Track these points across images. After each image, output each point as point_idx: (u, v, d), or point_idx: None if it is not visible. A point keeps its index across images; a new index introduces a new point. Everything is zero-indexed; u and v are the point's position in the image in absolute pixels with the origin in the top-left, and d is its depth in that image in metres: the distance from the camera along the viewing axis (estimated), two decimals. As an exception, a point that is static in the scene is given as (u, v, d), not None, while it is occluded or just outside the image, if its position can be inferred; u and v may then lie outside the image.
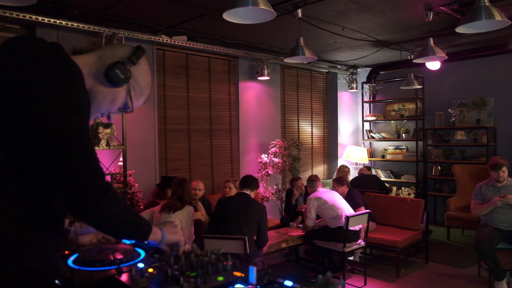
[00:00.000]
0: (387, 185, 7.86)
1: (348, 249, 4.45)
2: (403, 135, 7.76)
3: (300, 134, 7.64)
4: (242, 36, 5.63)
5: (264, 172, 6.32)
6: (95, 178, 1.03)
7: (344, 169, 6.63)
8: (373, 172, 7.93)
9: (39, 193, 1.06)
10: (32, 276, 1.04)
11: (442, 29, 5.34)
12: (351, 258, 5.16)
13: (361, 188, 5.80)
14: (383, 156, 8.13)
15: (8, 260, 1.00)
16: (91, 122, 4.00)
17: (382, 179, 7.87)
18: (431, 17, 4.67)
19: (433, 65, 6.06)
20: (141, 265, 1.31)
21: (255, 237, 3.87)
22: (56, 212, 1.11)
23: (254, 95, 6.73)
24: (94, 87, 1.18)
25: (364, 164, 7.88)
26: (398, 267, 4.78)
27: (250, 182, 3.92)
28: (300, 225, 5.08)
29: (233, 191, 4.65)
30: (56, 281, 1.26)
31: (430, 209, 7.17)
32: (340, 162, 7.90)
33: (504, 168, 4.22)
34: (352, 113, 8.49)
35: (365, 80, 8.18)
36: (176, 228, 1.39)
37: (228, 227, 3.71)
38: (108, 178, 3.99)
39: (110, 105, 1.24)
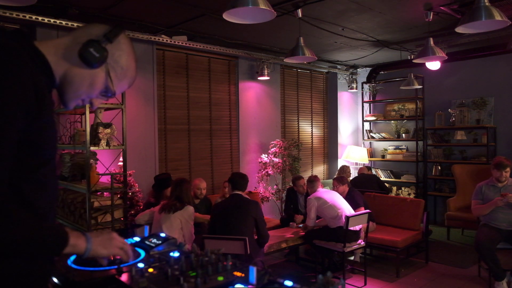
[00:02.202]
0: (387, 185, 7.87)
1: (348, 249, 4.44)
2: (403, 135, 7.76)
3: (300, 134, 7.64)
4: (242, 36, 5.63)
5: (264, 172, 6.32)
6: None
7: (347, 170, 6.62)
8: (373, 172, 7.92)
9: (19, 193, 1.02)
10: (23, 278, 1.03)
11: (442, 29, 5.34)
12: (352, 258, 5.16)
13: (360, 188, 5.79)
14: (383, 156, 8.13)
15: None
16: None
17: (382, 179, 7.87)
18: (431, 17, 4.67)
19: (433, 65, 6.06)
20: (141, 265, 1.31)
21: (255, 236, 3.88)
22: (41, 211, 1.09)
23: (254, 95, 6.73)
24: (70, 70, 1.13)
25: (364, 164, 7.87)
26: (398, 267, 4.78)
27: (241, 184, 3.92)
28: (300, 225, 5.09)
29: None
30: (56, 281, 1.26)
31: (430, 209, 7.17)
32: (340, 162, 7.90)
33: (508, 169, 4.21)
34: (352, 113, 8.49)
35: (365, 80, 8.18)
36: (111, 242, 1.21)
37: (227, 228, 3.73)
38: (107, 178, 3.99)
39: (89, 89, 1.16)
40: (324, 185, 5.46)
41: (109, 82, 1.18)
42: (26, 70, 0.99)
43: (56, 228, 1.08)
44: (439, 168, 7.26)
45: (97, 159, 4.12)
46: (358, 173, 7.01)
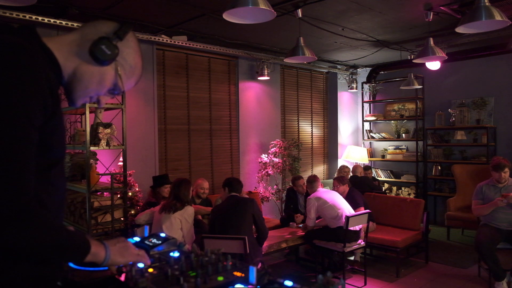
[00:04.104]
0: (386, 185, 7.87)
1: (348, 249, 4.45)
2: (403, 135, 7.76)
3: (300, 134, 7.64)
4: (242, 36, 5.63)
5: (264, 172, 6.31)
6: (8, 198, 0.90)
7: (345, 169, 6.62)
8: (373, 172, 7.90)
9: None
10: (34, 282, 1.03)
11: (442, 29, 5.34)
12: (352, 258, 5.16)
13: None
14: (383, 156, 8.13)
15: (9, 269, 0.98)
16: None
17: (381, 179, 7.87)
18: (431, 17, 4.67)
19: (433, 65, 6.05)
20: (141, 265, 1.31)
21: (255, 235, 3.92)
22: (51, 213, 1.08)
23: (254, 95, 6.73)
24: (80, 67, 1.12)
25: (358, 163, 7.76)
26: (398, 267, 4.77)
27: (237, 188, 4.06)
28: (300, 225, 5.09)
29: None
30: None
31: (430, 209, 7.16)
32: (340, 162, 7.90)
33: (506, 169, 4.20)
34: (352, 113, 8.49)
35: (365, 80, 8.17)
36: (127, 251, 1.21)
37: (226, 227, 3.77)
38: (107, 178, 3.99)
39: (98, 86, 1.16)
40: (324, 185, 5.45)
41: (118, 80, 1.18)
42: (41, 68, 0.98)
43: (79, 235, 1.09)
44: (439, 168, 7.26)
45: (97, 159, 4.12)
46: (351, 172, 6.86)
